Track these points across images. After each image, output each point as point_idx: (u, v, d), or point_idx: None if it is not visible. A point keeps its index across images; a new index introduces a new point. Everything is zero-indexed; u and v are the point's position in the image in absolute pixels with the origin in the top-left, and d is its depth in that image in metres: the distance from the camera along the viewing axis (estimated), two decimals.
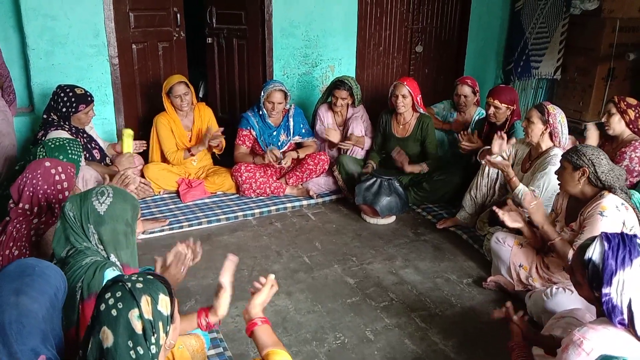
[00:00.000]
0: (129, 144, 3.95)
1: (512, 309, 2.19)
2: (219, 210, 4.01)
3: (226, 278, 1.89)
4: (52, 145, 3.00)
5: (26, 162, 3.03)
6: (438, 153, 4.32)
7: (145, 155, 4.34)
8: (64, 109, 3.63)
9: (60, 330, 1.68)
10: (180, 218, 3.86)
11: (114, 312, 1.41)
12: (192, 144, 4.35)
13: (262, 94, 4.23)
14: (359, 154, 4.44)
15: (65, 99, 3.63)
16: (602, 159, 2.54)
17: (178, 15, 4.76)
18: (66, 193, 2.65)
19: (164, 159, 4.34)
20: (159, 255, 2.21)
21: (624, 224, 2.48)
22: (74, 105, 3.63)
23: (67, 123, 3.67)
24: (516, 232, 3.04)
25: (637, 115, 3.42)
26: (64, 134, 3.52)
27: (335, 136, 4.39)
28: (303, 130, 4.45)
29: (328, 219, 4.03)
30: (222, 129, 4.30)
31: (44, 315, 1.58)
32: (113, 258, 2.01)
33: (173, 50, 4.82)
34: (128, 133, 3.96)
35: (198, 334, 2.10)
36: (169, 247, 2.36)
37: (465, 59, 5.80)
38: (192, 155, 4.28)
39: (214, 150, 4.41)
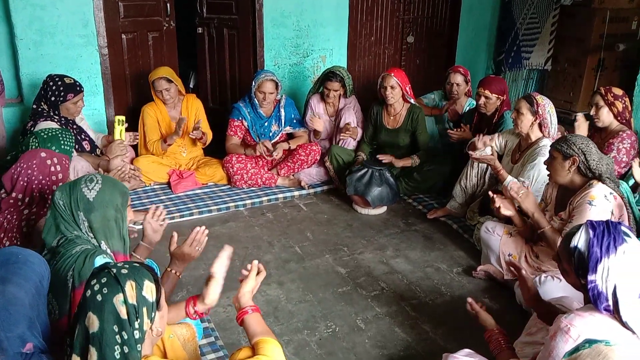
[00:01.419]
0: (121, 130, 3.84)
1: (476, 302, 2.22)
2: (210, 201, 4.01)
3: (217, 267, 1.90)
4: (45, 136, 2.99)
5: (17, 153, 3.02)
6: (429, 144, 4.34)
7: (134, 146, 4.32)
8: (52, 98, 3.60)
9: (45, 317, 1.69)
10: (171, 209, 3.85)
11: (99, 298, 1.42)
12: (181, 135, 4.32)
13: (253, 84, 4.22)
14: (351, 144, 4.45)
15: (54, 87, 3.60)
16: (591, 148, 2.57)
17: (168, 4, 4.72)
18: (60, 184, 2.64)
19: None
20: (153, 248, 2.24)
21: (612, 213, 2.52)
22: (62, 94, 3.61)
23: (56, 113, 3.65)
24: (506, 221, 3.06)
25: (624, 106, 3.45)
26: (53, 125, 3.50)
27: (319, 124, 4.38)
28: (294, 121, 4.45)
29: (319, 210, 4.04)
30: (200, 120, 4.21)
31: (30, 302, 1.59)
32: (104, 246, 2.02)
33: (163, 40, 4.79)
34: (119, 120, 3.85)
35: (189, 323, 2.10)
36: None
37: (457, 49, 5.81)
38: (169, 145, 4.22)
39: (198, 143, 4.38)
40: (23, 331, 1.53)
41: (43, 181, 2.60)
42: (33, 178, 2.59)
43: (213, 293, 1.90)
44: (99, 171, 3.49)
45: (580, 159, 2.56)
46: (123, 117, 3.88)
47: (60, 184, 2.63)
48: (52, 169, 2.64)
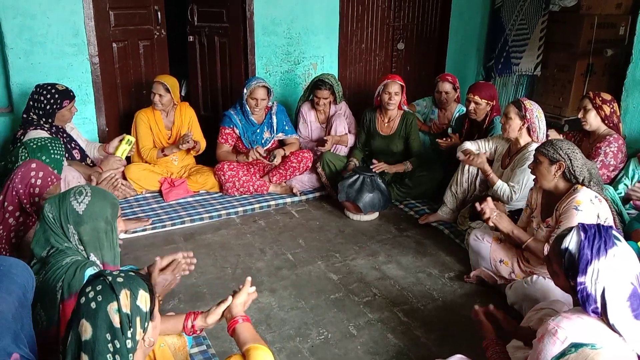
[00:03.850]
0: (124, 150, 3.96)
1: (481, 308, 2.23)
2: (202, 209, 4.00)
3: (239, 299, 1.91)
4: (34, 146, 2.98)
5: (7, 163, 3.01)
6: (421, 150, 4.36)
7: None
8: (47, 107, 3.59)
9: (31, 328, 1.68)
10: (163, 217, 3.84)
11: (93, 305, 1.42)
12: (172, 143, 4.32)
13: (245, 90, 4.22)
14: (343, 151, 4.47)
15: (48, 96, 3.60)
16: (577, 153, 2.59)
17: (159, 13, 4.73)
18: (36, 199, 2.62)
19: None
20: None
21: (598, 216, 2.53)
22: (59, 101, 3.61)
23: (48, 122, 3.64)
24: (494, 228, 3.07)
25: (612, 110, 3.49)
26: (43, 134, 3.48)
27: (328, 147, 4.36)
28: (286, 128, 4.46)
29: (311, 216, 4.04)
30: (191, 133, 4.22)
31: (14, 315, 1.58)
32: (93, 257, 2.01)
33: (154, 48, 4.80)
34: (129, 140, 3.98)
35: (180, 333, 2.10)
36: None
37: (447, 55, 5.85)
38: (165, 155, 4.25)
39: (191, 151, 4.38)
40: (7, 343, 1.52)
41: (21, 190, 2.59)
42: (13, 186, 2.58)
43: (218, 314, 1.90)
44: (92, 181, 3.47)
45: (567, 164, 2.57)
46: (134, 139, 4.01)
47: (36, 198, 2.61)
48: (33, 181, 2.61)
